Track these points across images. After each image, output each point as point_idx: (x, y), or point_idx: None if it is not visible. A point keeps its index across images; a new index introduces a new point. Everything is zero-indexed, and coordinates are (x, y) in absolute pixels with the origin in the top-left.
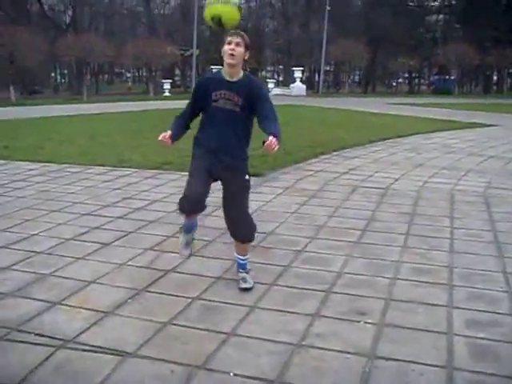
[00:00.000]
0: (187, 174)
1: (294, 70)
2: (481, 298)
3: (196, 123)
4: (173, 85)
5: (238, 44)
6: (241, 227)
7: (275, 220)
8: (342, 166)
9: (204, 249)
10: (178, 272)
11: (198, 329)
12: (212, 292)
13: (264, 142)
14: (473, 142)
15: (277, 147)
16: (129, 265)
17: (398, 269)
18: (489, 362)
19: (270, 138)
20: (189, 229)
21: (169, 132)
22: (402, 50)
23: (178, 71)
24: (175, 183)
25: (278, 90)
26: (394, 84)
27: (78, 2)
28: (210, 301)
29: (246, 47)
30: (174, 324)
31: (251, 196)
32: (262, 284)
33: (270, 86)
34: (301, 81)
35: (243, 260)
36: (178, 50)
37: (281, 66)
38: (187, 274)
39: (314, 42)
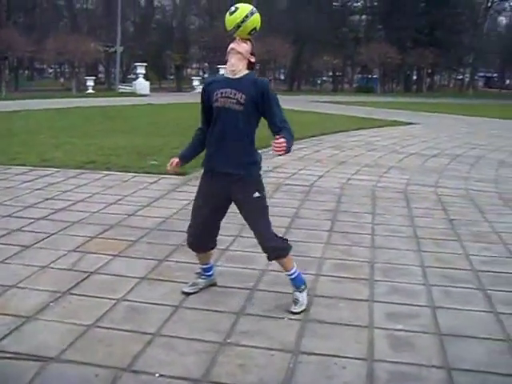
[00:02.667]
0: (112, 173)
1: (219, 68)
2: (400, 292)
3: None
4: (96, 82)
5: (241, 41)
6: (266, 246)
7: None
8: (266, 163)
9: (128, 249)
10: (102, 273)
11: (122, 330)
12: (137, 293)
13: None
14: (394, 140)
15: (283, 150)
16: (51, 267)
17: (321, 265)
18: (407, 352)
19: (280, 138)
20: (201, 274)
21: (176, 159)
22: (326, 48)
23: (102, 68)
24: (99, 182)
25: None
26: (319, 82)
27: None
28: (135, 302)
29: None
30: (99, 326)
31: (176, 195)
32: (187, 283)
33: (195, 83)
34: None
35: (290, 275)
36: (102, 47)
37: (206, 64)
38: (111, 275)
39: None
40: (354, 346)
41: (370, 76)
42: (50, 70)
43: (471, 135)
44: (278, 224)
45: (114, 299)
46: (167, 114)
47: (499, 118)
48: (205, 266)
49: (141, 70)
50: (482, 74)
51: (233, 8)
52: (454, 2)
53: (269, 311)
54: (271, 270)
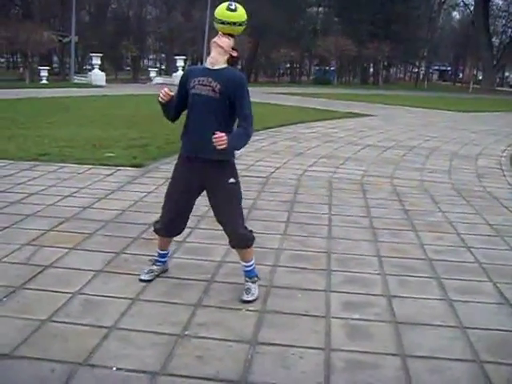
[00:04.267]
0: (67, 165)
1: (176, 59)
2: (356, 281)
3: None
4: (51, 72)
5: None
6: (236, 233)
7: (157, 211)
8: None
9: (84, 242)
10: (57, 267)
11: (79, 324)
12: (93, 286)
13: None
14: (351, 132)
15: (222, 144)
16: (4, 261)
17: (278, 256)
18: (363, 341)
19: (220, 134)
20: (157, 260)
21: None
22: (283, 41)
23: (56, 58)
24: (54, 175)
25: (160, 79)
26: (277, 74)
27: None
28: (91, 295)
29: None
30: (54, 321)
31: (133, 187)
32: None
33: (152, 74)
34: (183, 70)
35: (247, 266)
36: (56, 36)
37: (163, 55)
38: (67, 268)
39: (196, 30)
40: (312, 335)
41: (327, 68)
42: (2, 60)
43: (426, 127)
44: None
45: (69, 293)
46: (124, 105)
47: (453, 111)
48: (163, 252)
49: (96, 61)
50: (436, 68)
51: (233, 5)
52: None
53: (226, 302)
54: (228, 262)
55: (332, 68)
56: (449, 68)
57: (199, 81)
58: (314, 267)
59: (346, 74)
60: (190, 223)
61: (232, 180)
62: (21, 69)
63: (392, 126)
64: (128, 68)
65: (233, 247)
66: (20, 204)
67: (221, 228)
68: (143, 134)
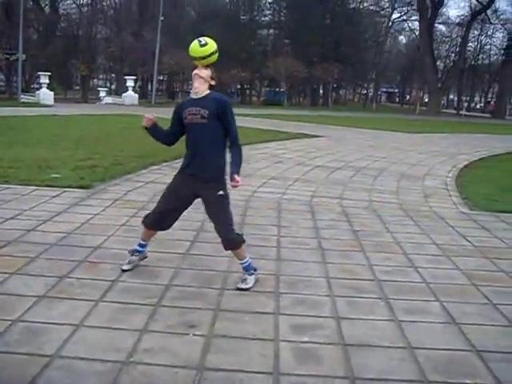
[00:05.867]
0: (11, 186)
1: (126, 79)
2: (305, 304)
3: None
4: None
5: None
6: (226, 238)
7: (103, 233)
8: (171, 176)
9: (26, 266)
10: None
11: (18, 353)
12: (34, 312)
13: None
14: (300, 152)
15: (240, 184)
16: None
17: (226, 279)
18: (311, 365)
19: (234, 178)
20: (135, 251)
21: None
22: (234, 62)
23: (2, 76)
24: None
25: (109, 99)
26: (228, 95)
27: None
28: (33, 322)
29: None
30: None
31: (79, 209)
32: (89, 301)
33: (102, 94)
34: (133, 90)
35: (243, 263)
36: (2, 54)
37: (113, 75)
38: (7, 294)
39: (147, 51)
40: (260, 360)
41: (277, 89)
42: None
43: (374, 148)
44: (183, 237)
45: (9, 320)
46: (72, 125)
47: (401, 132)
48: (144, 243)
49: (44, 80)
50: (384, 90)
51: (202, 41)
52: (357, 21)
53: (173, 327)
54: (175, 285)
55: (282, 89)
56: (396, 90)
57: (189, 111)
58: (262, 290)
59: (296, 95)
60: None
61: (221, 192)
62: None
63: (341, 147)
64: (77, 87)
65: (225, 249)
66: None
67: (169, 250)
68: (91, 155)
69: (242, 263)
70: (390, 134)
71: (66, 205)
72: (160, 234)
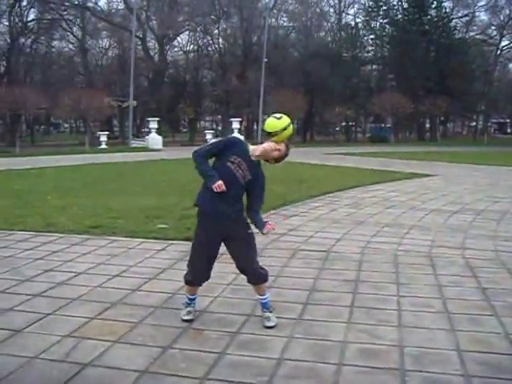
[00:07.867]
0: (118, 238)
1: (232, 121)
2: None
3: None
4: (110, 136)
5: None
6: (253, 273)
7: (209, 294)
8: (281, 225)
9: (129, 333)
10: (96, 365)
11: None
12: None
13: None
14: (412, 195)
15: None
16: (42, 358)
17: (343, 351)
18: None
19: (267, 226)
20: (187, 304)
21: (219, 180)
22: (338, 99)
23: (116, 122)
24: (104, 250)
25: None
26: (332, 132)
27: (12, 52)
28: None
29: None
30: None
31: (183, 265)
32: (193, 378)
33: (208, 137)
34: (239, 131)
35: (263, 299)
36: (116, 102)
37: (219, 116)
38: (108, 367)
39: (251, 92)
40: None
41: (383, 125)
42: (66, 125)
43: (492, 187)
44: (293, 299)
45: None
46: (180, 169)
47: None
48: (193, 297)
49: (153, 125)
50: (494, 120)
51: (278, 115)
52: (463, 51)
53: None
54: (287, 359)
55: (388, 125)
56: (507, 120)
57: (239, 162)
58: (385, 366)
59: (402, 131)
60: (244, 309)
61: (250, 230)
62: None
63: (455, 187)
64: (185, 130)
65: (250, 283)
66: (65, 285)
67: (279, 315)
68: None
69: (262, 299)
70: (508, 169)
71: (172, 260)
72: (270, 294)
